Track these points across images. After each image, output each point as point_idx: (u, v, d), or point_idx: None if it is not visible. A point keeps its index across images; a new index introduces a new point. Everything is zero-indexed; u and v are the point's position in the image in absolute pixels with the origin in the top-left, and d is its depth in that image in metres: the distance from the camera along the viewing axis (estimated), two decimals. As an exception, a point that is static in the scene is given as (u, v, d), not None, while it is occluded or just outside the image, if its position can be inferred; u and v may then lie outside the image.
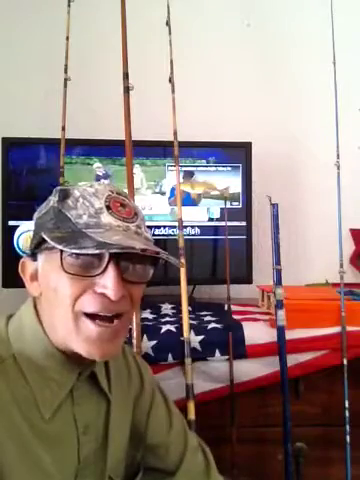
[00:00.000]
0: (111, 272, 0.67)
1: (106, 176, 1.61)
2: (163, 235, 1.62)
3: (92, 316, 0.68)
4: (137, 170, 1.59)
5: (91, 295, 0.67)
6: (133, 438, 0.86)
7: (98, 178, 1.60)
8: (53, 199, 0.72)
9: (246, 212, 1.66)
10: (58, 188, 0.73)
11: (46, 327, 0.72)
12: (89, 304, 0.67)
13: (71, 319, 0.68)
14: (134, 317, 1.19)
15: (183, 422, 0.94)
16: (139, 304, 0.77)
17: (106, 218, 0.69)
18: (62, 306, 0.68)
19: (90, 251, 0.64)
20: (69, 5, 1.38)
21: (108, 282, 0.66)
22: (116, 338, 0.71)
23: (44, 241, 0.69)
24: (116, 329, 0.70)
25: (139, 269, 0.72)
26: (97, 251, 0.64)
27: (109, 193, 0.72)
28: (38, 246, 0.71)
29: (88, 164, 1.61)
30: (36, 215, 0.75)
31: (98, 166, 1.61)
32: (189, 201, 1.64)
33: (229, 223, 1.49)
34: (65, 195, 0.71)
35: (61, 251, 0.66)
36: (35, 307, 0.74)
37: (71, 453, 0.73)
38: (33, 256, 0.73)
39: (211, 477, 0.90)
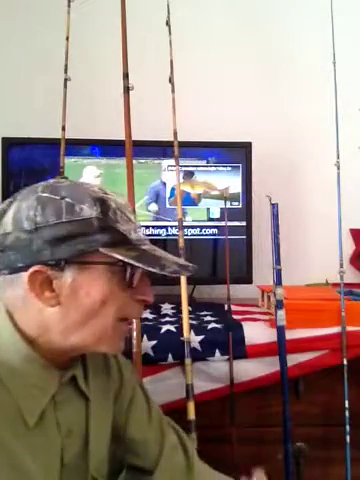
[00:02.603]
0: (147, 280, 0.74)
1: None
2: (161, 235, 1.63)
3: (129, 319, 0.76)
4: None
5: (134, 303, 0.73)
6: (114, 435, 0.86)
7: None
8: (91, 209, 0.68)
9: (246, 212, 1.66)
10: (92, 196, 0.70)
11: (34, 334, 0.70)
12: (134, 312, 0.75)
13: (111, 326, 0.71)
14: (134, 317, 1.19)
15: (162, 420, 0.93)
16: None
17: (140, 234, 0.74)
18: (106, 317, 0.70)
19: (176, 274, 0.71)
20: (69, 5, 1.38)
21: (147, 290, 0.74)
22: None
23: (87, 254, 0.68)
24: None
25: None
26: (186, 273, 0.73)
27: (130, 208, 0.76)
28: (76, 257, 0.68)
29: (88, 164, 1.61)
30: (53, 220, 0.67)
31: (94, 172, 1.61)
32: (189, 201, 1.65)
33: (229, 223, 1.49)
34: (107, 207, 0.70)
35: (128, 267, 0.69)
36: (7, 313, 0.71)
37: (55, 458, 0.72)
38: (57, 265, 0.67)
39: (193, 474, 0.89)
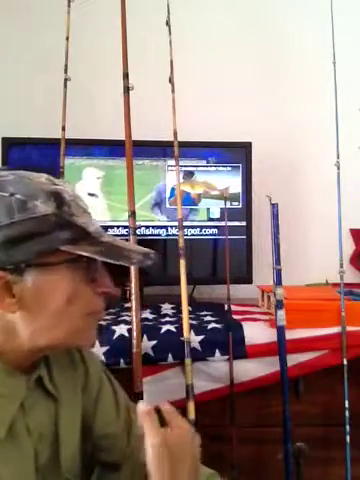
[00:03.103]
0: (105, 272, 0.69)
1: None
2: (161, 235, 1.63)
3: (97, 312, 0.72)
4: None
5: (97, 296, 0.70)
6: (83, 429, 0.82)
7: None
8: (46, 204, 0.64)
9: (246, 212, 1.66)
10: (47, 190, 0.65)
11: (11, 341, 0.67)
12: (98, 306, 0.71)
13: (81, 322, 0.69)
14: (134, 317, 1.19)
15: (129, 412, 0.89)
16: None
17: (95, 221, 0.70)
18: (75, 314, 0.68)
19: (144, 265, 0.68)
20: (69, 5, 1.38)
21: (108, 282, 0.69)
22: None
23: (46, 253, 0.64)
24: None
25: None
26: (151, 262, 0.68)
27: (78, 194, 0.71)
28: (35, 258, 0.64)
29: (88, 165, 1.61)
30: (4, 221, 0.62)
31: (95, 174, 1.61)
32: (189, 201, 1.64)
33: (229, 223, 1.49)
34: (61, 200, 0.66)
35: (91, 263, 0.67)
36: None
37: (29, 465, 0.71)
38: (16, 271, 0.63)
39: None
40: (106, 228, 1.55)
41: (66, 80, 1.37)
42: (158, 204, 1.63)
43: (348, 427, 1.26)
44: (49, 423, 0.75)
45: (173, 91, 1.33)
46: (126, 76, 1.26)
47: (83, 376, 0.84)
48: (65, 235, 0.65)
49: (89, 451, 0.84)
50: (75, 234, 0.66)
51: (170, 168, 1.63)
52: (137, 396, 1.15)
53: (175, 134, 1.33)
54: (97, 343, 1.20)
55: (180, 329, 1.24)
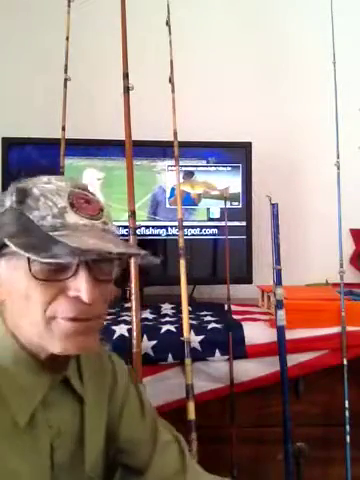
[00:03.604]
0: (83, 274, 0.64)
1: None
2: (161, 235, 1.63)
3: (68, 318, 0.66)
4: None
5: (64, 299, 0.65)
6: (108, 434, 0.85)
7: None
8: (10, 199, 0.67)
9: (246, 212, 1.67)
10: (14, 186, 0.68)
11: (14, 332, 0.69)
12: (64, 309, 0.65)
13: (43, 324, 0.65)
14: (134, 317, 1.19)
15: (155, 419, 0.92)
16: (109, 302, 0.72)
17: (71, 217, 0.65)
18: (34, 313, 0.65)
19: (64, 259, 0.61)
20: (69, 5, 1.38)
21: (81, 285, 0.64)
22: (92, 331, 0.69)
23: (5, 246, 0.64)
24: (91, 325, 0.68)
25: (107, 266, 0.68)
26: (74, 260, 0.61)
27: (71, 189, 0.68)
28: None
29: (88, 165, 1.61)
30: None
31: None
32: (189, 201, 1.65)
33: (229, 223, 1.49)
34: (24, 194, 0.66)
35: (28, 257, 0.62)
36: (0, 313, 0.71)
37: (45, 458, 0.72)
38: None
39: (186, 474, 0.88)
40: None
41: (66, 80, 1.37)
42: (158, 204, 1.63)
43: (348, 427, 1.26)
44: (72, 422, 0.76)
45: (173, 91, 1.33)
46: (126, 76, 1.26)
47: (111, 383, 0.86)
48: (12, 228, 0.65)
49: (112, 454, 0.86)
50: (22, 226, 0.65)
51: (170, 168, 1.63)
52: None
53: (175, 134, 1.33)
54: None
55: (180, 329, 1.24)
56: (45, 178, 0.70)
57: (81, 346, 0.67)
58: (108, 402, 0.85)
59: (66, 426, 0.75)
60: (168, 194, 1.64)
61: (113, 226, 0.72)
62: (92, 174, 1.61)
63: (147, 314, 1.42)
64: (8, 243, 0.63)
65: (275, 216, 1.27)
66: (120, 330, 1.25)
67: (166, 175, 1.64)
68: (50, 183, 0.69)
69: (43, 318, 0.65)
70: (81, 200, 0.68)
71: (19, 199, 0.66)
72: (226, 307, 1.38)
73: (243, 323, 1.33)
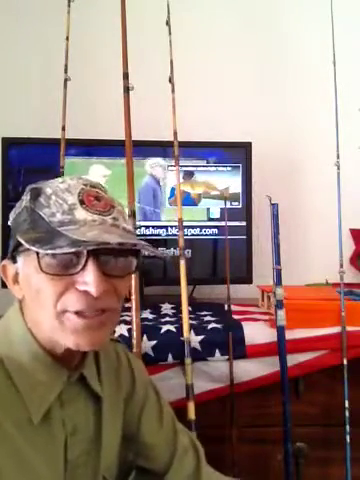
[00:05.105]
0: (91, 268, 0.65)
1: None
2: (161, 235, 1.63)
3: (77, 312, 0.67)
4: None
5: (73, 293, 0.66)
6: (125, 438, 0.85)
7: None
8: (25, 199, 0.70)
9: (246, 212, 1.66)
10: (30, 187, 0.71)
11: (32, 328, 0.71)
12: (72, 303, 0.66)
13: (54, 318, 0.67)
14: (134, 317, 1.19)
15: (174, 422, 0.93)
16: (124, 297, 0.74)
17: (80, 214, 0.67)
18: (45, 306, 0.67)
19: (64, 250, 0.62)
20: (69, 5, 1.38)
21: (88, 278, 0.65)
22: (104, 327, 0.69)
23: (21, 243, 0.67)
24: (103, 320, 0.68)
25: (121, 262, 0.69)
26: (73, 250, 0.62)
27: (82, 187, 0.70)
28: (16, 248, 0.70)
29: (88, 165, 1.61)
30: (12, 216, 0.73)
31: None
32: (189, 201, 1.65)
33: (229, 223, 1.49)
34: (37, 193, 0.69)
35: (37, 252, 0.64)
36: (21, 309, 0.73)
37: (58, 455, 0.72)
38: (13, 259, 0.71)
39: (201, 478, 0.89)
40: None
41: (66, 80, 1.37)
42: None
43: (348, 427, 1.26)
44: (88, 421, 0.77)
45: (173, 91, 1.33)
46: (126, 76, 1.26)
47: (129, 384, 0.87)
48: (25, 225, 0.68)
49: (129, 457, 0.87)
50: (33, 224, 0.68)
51: (170, 168, 1.63)
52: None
53: (175, 134, 1.33)
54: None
55: (180, 329, 1.24)
56: (60, 179, 0.72)
57: (93, 341, 0.68)
58: (126, 403, 0.86)
59: (82, 424, 0.75)
60: (168, 194, 1.64)
61: (125, 222, 0.72)
62: (98, 171, 1.61)
63: (147, 314, 1.42)
64: (20, 239, 0.66)
65: (275, 216, 1.27)
66: (120, 330, 1.25)
67: (154, 171, 1.63)
68: (64, 182, 0.71)
69: (54, 312, 0.66)
70: (91, 197, 0.69)
71: (32, 198, 0.69)
72: (226, 307, 1.38)
73: (243, 323, 1.33)
